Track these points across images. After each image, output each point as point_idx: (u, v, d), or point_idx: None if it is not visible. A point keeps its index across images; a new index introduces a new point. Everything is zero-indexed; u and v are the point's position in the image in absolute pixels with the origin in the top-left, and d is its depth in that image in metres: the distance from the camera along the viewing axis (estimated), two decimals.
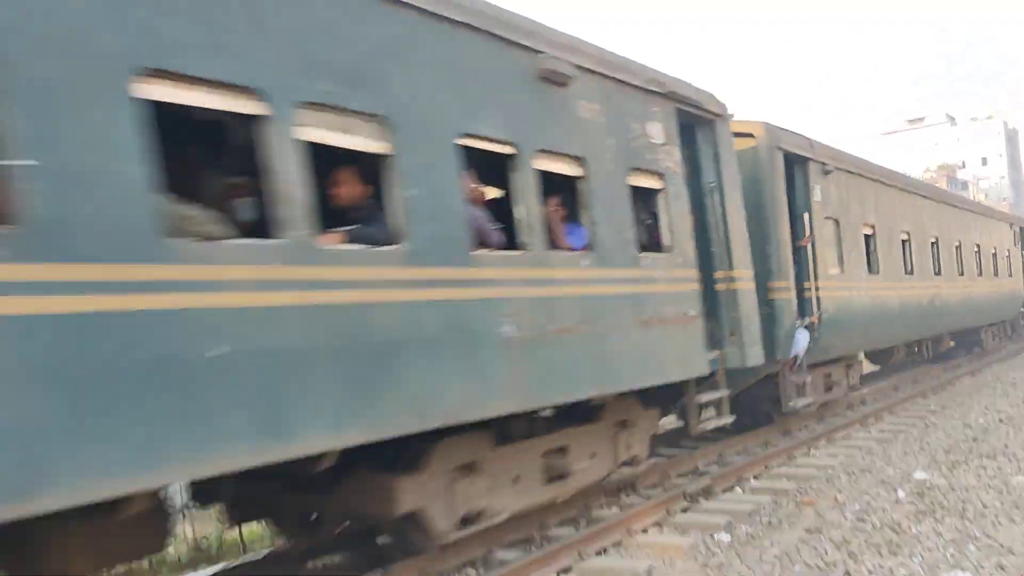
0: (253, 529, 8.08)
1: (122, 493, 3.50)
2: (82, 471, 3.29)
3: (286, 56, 4.25)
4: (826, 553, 5.83)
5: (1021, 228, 23.31)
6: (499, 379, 5.29)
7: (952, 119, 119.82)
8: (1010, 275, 21.21)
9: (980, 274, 18.39)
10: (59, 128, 3.34)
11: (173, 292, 3.66)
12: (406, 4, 4.90)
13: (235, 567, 6.01)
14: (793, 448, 9.15)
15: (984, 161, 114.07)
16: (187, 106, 3.88)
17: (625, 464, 7.09)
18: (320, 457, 4.33)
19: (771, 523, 6.72)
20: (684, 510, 6.94)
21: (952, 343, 18.89)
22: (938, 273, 15.50)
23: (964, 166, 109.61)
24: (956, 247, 16.76)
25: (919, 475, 7.89)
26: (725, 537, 6.30)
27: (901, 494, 7.28)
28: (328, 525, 6.06)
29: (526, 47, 5.79)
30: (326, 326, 4.27)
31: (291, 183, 4.17)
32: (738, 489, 7.69)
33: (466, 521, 5.55)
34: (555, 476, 6.34)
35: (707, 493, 7.32)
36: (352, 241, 4.63)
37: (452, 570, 5.80)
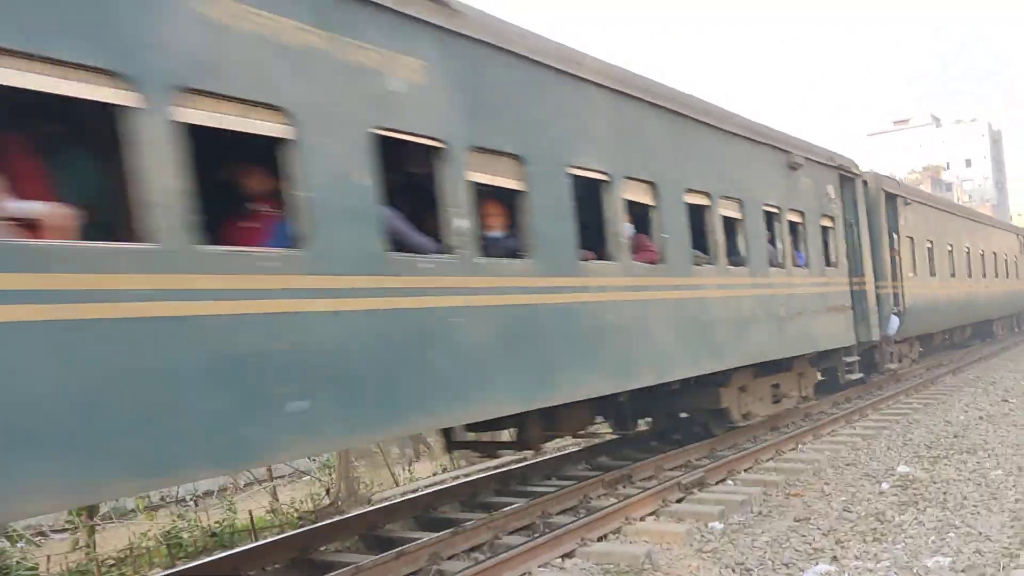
0: (261, 516, 8.37)
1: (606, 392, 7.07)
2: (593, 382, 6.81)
3: (705, 172, 8.60)
4: (814, 540, 6.16)
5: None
6: (777, 337, 9.71)
7: (937, 120, 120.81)
8: (1017, 277, 26.52)
9: (996, 276, 23.42)
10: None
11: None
12: (747, 138, 9.49)
13: (248, 549, 6.29)
14: (780, 443, 9.49)
15: (968, 163, 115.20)
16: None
17: (804, 399, 11.40)
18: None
19: (761, 513, 7.04)
20: (679, 500, 7.25)
21: (970, 332, 23.05)
22: (970, 275, 20.39)
23: (948, 167, 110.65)
24: (980, 255, 21.65)
25: (902, 469, 8.25)
26: (718, 525, 6.62)
27: (885, 486, 7.63)
28: (650, 424, 10.73)
29: (783, 150, 10.30)
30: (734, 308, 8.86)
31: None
32: (729, 481, 8.00)
33: (744, 416, 9.72)
34: (775, 400, 10.51)
35: (700, 484, 7.64)
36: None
37: (461, 554, 6.11)
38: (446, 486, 8.14)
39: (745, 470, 8.41)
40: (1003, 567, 5.09)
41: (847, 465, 8.67)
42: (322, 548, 6.38)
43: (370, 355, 4.80)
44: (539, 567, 5.67)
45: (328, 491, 8.95)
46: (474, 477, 8.86)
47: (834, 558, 5.71)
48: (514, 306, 5.98)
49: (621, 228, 7.19)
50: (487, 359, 5.69)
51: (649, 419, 10.66)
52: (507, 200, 6.28)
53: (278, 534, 7.22)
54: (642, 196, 7.59)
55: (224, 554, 6.26)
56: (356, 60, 4.89)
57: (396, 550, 5.77)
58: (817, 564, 5.60)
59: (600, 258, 7.07)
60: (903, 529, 6.27)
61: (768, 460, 8.85)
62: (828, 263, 11.47)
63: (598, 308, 6.84)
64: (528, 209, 6.14)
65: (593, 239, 7.08)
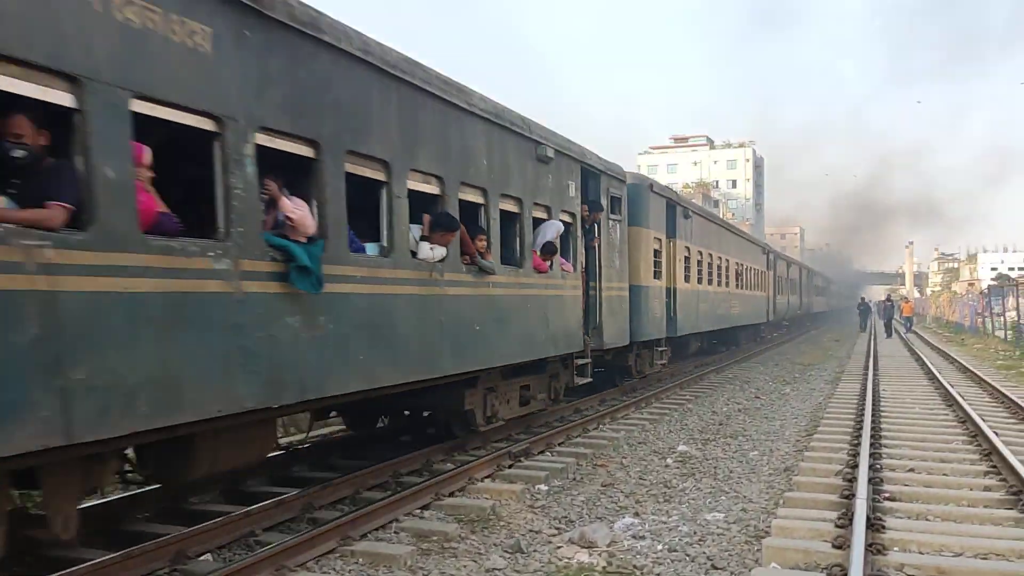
0: None
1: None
2: None
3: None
4: (620, 500, 7.58)
5: (768, 252, 31.73)
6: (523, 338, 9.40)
7: (711, 141, 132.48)
8: (763, 288, 29.91)
9: (749, 287, 26.54)
10: None
11: None
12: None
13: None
14: (586, 423, 11.00)
15: (733, 183, 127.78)
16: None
17: (553, 400, 11.10)
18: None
19: (576, 479, 8.40)
20: (510, 466, 8.44)
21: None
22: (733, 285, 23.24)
23: (717, 186, 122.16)
24: (737, 268, 24.35)
25: (682, 448, 9.99)
26: (544, 487, 7.89)
27: (670, 461, 9.29)
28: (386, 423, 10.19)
29: (530, 138, 9.45)
30: None
31: None
32: (548, 453, 9.32)
33: (488, 419, 9.16)
34: (524, 402, 10.14)
35: (526, 454, 8.90)
36: None
37: (328, 505, 6.87)
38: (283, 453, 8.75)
39: (559, 444, 9.77)
40: (762, 520, 6.72)
41: (639, 443, 10.31)
42: (192, 499, 6.88)
43: None
44: (404, 515, 6.59)
45: None
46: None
47: (636, 513, 7.13)
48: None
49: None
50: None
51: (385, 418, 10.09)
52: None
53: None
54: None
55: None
56: None
57: (276, 499, 6.46)
58: (624, 517, 6.98)
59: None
60: (686, 493, 7.85)
61: (577, 437, 10.29)
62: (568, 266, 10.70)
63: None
64: None
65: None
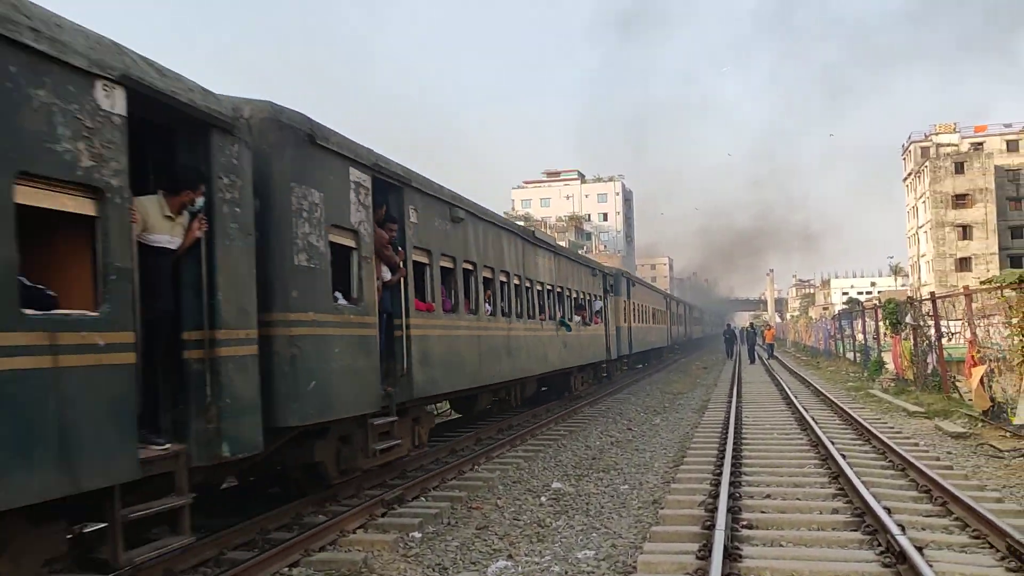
0: None
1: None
2: None
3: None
4: (494, 543, 7.61)
5: (667, 297, 45.52)
6: (587, 352, 22.11)
7: (582, 176, 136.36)
8: (662, 322, 42.75)
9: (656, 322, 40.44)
10: None
11: None
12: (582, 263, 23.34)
13: None
14: (462, 464, 11.01)
15: (604, 217, 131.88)
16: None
17: (593, 383, 25.00)
18: None
19: (450, 523, 8.38)
20: (383, 514, 8.33)
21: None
22: (651, 321, 37.30)
23: (589, 219, 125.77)
24: (655, 310, 39.28)
25: (556, 484, 10.14)
26: (418, 534, 7.83)
27: (544, 499, 9.42)
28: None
29: (587, 265, 23.79)
30: None
31: None
32: (423, 498, 9.26)
33: (575, 389, 21.96)
34: (584, 383, 23.69)
35: (400, 501, 8.81)
36: None
37: (190, 569, 6.58)
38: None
39: (434, 488, 9.73)
40: (630, 555, 6.91)
41: (514, 482, 10.40)
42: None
43: None
44: (271, 575, 6.39)
45: None
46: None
47: (510, 556, 7.18)
48: None
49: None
50: None
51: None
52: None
53: None
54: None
55: None
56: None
57: (131, 567, 6.11)
58: (497, 561, 7.02)
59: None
60: (559, 532, 7.97)
61: (452, 479, 10.27)
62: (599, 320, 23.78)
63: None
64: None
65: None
